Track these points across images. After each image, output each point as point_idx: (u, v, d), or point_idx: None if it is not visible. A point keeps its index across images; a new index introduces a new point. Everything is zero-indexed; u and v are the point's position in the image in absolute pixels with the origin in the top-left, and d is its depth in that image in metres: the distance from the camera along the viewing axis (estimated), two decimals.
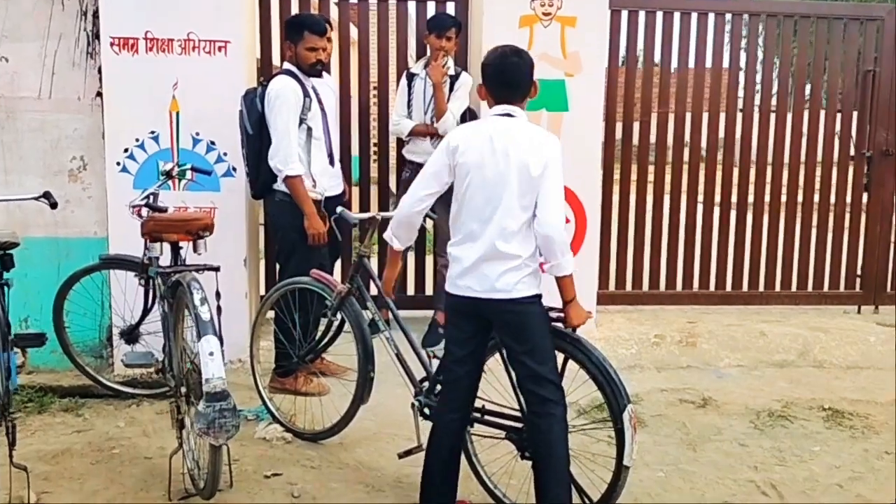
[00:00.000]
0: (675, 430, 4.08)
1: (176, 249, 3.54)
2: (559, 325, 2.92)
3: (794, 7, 5.85)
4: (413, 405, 3.34)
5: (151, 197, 3.89)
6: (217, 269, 3.29)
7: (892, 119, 5.85)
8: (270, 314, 4.23)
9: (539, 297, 2.86)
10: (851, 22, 5.86)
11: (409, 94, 5.01)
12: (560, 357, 2.94)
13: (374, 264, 3.87)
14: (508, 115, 2.86)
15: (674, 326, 5.39)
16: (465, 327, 2.94)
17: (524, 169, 2.75)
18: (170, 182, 4.47)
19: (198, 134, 4.64)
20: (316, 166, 4.24)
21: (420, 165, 4.93)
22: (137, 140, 4.61)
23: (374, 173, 5.62)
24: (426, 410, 3.29)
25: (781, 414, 4.30)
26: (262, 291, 5.39)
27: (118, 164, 4.61)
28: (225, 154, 4.65)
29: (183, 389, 3.27)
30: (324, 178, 4.30)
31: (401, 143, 5.24)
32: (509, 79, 2.86)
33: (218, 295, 3.26)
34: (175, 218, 3.58)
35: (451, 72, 4.94)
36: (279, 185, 4.18)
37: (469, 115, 5.03)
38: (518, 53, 2.89)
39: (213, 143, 4.65)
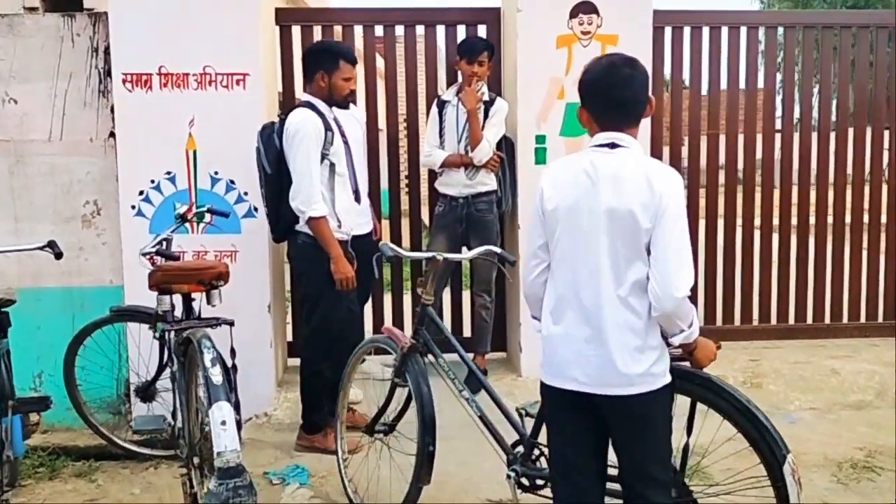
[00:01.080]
0: (749, 488, 3.62)
1: (188, 301, 3.22)
2: (685, 364, 2.40)
3: (849, 18, 5.44)
4: (508, 476, 2.86)
5: (164, 243, 3.59)
6: (231, 324, 2.96)
7: None
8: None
9: (669, 382, 2.28)
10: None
11: (441, 122, 4.67)
12: (682, 398, 2.46)
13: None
14: (614, 144, 2.26)
15: (735, 366, 4.94)
16: (572, 423, 2.33)
17: (631, 217, 2.16)
18: (187, 225, 4.20)
19: (216, 173, 4.35)
20: (340, 204, 3.90)
21: (454, 199, 4.66)
22: (153, 181, 4.33)
23: (404, 206, 5.30)
24: (524, 481, 2.82)
25: (866, 465, 3.83)
26: (290, 338, 5.09)
27: (133, 207, 4.33)
28: (245, 193, 4.35)
29: (196, 459, 2.93)
30: (349, 217, 3.96)
31: (433, 175, 4.91)
32: (619, 97, 2.26)
33: (233, 353, 2.93)
34: (185, 267, 3.26)
35: (486, 97, 4.60)
36: (301, 227, 3.84)
37: (505, 145, 4.68)
38: (631, 63, 2.28)
39: (232, 181, 4.35)
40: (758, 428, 2.38)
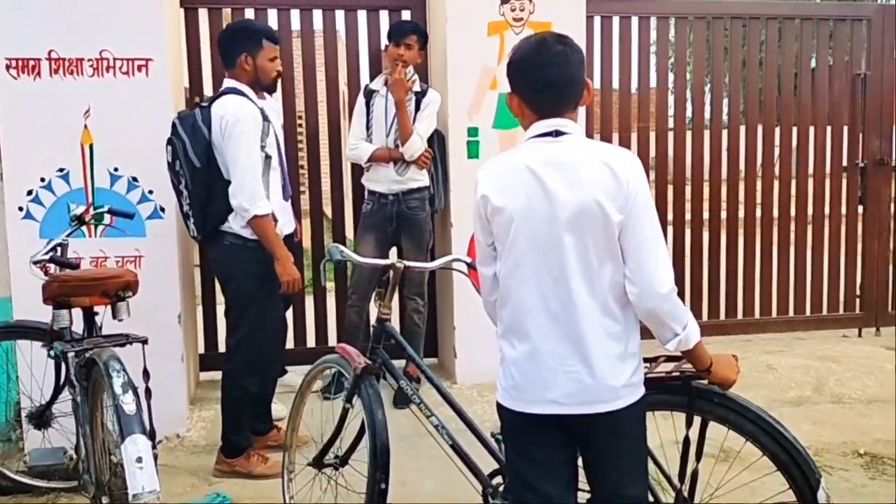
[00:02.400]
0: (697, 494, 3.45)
1: (90, 316, 2.79)
2: (702, 382, 2.17)
3: (774, 9, 5.40)
4: None
5: (58, 249, 3.14)
6: (144, 342, 2.56)
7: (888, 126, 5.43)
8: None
9: (645, 393, 2.04)
10: (838, 23, 5.44)
11: (368, 113, 4.34)
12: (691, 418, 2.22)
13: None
14: (558, 131, 1.97)
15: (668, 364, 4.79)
16: (546, 452, 2.03)
17: (598, 209, 1.89)
18: (84, 229, 3.74)
19: (116, 170, 3.89)
20: (274, 200, 3.53)
21: (383, 196, 4.34)
22: (43, 180, 3.83)
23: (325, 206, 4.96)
24: None
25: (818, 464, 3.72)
26: (202, 351, 4.67)
27: (21, 209, 3.82)
28: (150, 192, 3.91)
29: (105, 500, 2.52)
30: (281, 215, 3.60)
31: (357, 170, 4.58)
32: (554, 77, 1.95)
33: (146, 374, 2.54)
34: (87, 277, 2.82)
35: (417, 88, 4.30)
36: (229, 227, 3.44)
37: (437, 138, 4.39)
38: (562, 40, 1.98)
39: (135, 179, 3.90)
40: (788, 451, 2.17)
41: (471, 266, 2.88)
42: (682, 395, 2.23)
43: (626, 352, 1.98)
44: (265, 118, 3.44)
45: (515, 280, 1.98)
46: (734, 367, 2.14)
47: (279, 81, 3.66)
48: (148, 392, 2.54)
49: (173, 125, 3.49)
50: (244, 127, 3.32)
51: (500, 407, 2.07)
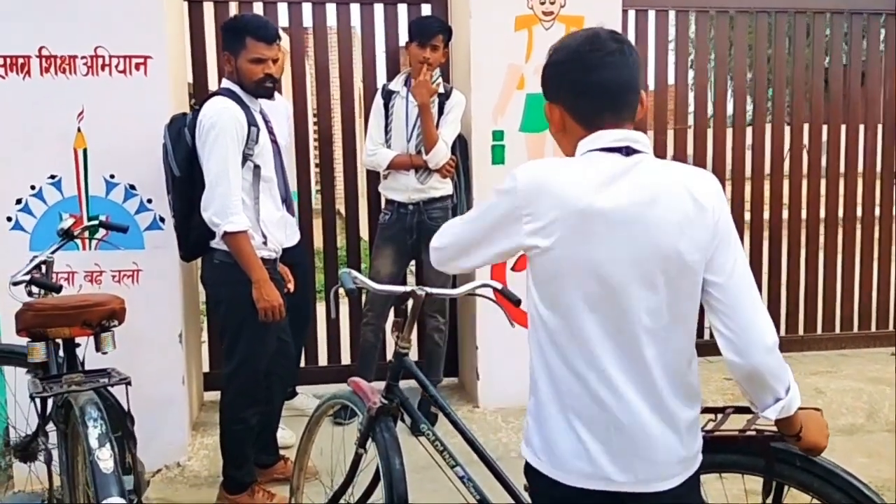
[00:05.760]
0: None
1: (70, 349, 2.48)
2: (780, 444, 1.84)
3: (819, 2, 4.99)
4: None
5: (43, 267, 2.84)
6: (128, 382, 2.24)
7: None
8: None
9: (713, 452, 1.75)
10: (873, 17, 5.05)
11: (388, 116, 3.99)
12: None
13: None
14: (630, 148, 1.59)
15: (710, 387, 4.45)
16: None
17: (685, 251, 1.54)
18: (79, 242, 3.45)
19: (112, 176, 3.59)
20: (266, 215, 3.18)
21: (403, 205, 4.00)
22: (34, 188, 3.53)
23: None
24: None
25: None
26: (206, 368, 4.36)
27: (9, 219, 3.53)
28: (149, 201, 3.60)
29: None
30: (277, 230, 3.26)
31: (372, 178, 4.25)
32: (610, 82, 1.59)
33: (131, 419, 2.23)
34: (65, 305, 2.48)
35: (441, 89, 3.96)
36: (218, 243, 3.11)
37: (459, 144, 4.05)
38: (616, 37, 1.62)
39: (132, 186, 3.60)
40: None
41: (500, 292, 2.56)
42: (757, 456, 1.88)
43: (697, 413, 1.66)
44: (252, 123, 3.09)
45: (568, 332, 1.58)
46: (825, 429, 1.79)
47: (274, 82, 3.27)
48: (133, 438, 2.22)
49: (164, 130, 3.18)
50: (219, 132, 2.97)
51: (535, 474, 1.69)
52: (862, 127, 5.06)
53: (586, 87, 1.60)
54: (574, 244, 1.54)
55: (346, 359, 4.52)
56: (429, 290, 2.42)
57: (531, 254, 1.60)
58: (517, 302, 2.47)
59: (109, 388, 2.35)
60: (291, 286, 3.37)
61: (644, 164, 1.58)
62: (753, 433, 1.89)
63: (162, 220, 3.61)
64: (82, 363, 2.50)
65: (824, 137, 5.05)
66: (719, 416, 2.00)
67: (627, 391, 1.57)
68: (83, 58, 3.52)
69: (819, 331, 5.12)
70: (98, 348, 2.46)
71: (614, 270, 1.53)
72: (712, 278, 1.59)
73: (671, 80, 4.93)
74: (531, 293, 1.65)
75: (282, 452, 3.65)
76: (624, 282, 1.54)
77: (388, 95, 4.02)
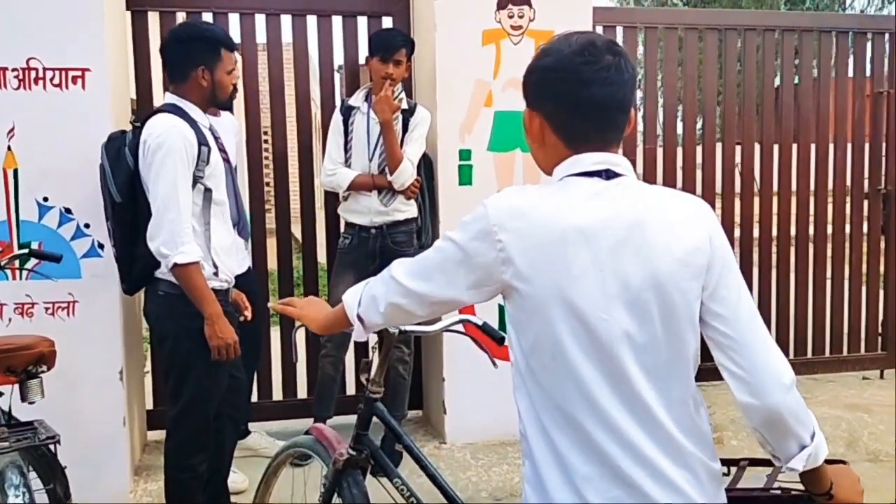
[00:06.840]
0: None
1: None
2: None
3: (794, 20, 4.93)
4: None
5: None
6: (56, 441, 1.94)
7: None
8: None
9: None
10: (859, 36, 4.99)
11: (347, 134, 3.74)
12: None
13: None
14: (610, 171, 1.43)
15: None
16: None
17: (680, 282, 1.39)
18: (8, 271, 3.15)
19: (46, 199, 3.29)
20: (218, 242, 2.87)
21: (364, 228, 3.74)
22: None
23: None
24: None
25: None
26: (150, 406, 4.04)
27: None
28: (87, 226, 3.31)
29: None
30: (230, 258, 2.97)
31: (330, 199, 4.01)
32: (603, 99, 1.42)
33: (64, 477, 1.94)
34: None
35: (404, 105, 3.73)
36: (163, 273, 2.80)
37: (423, 164, 3.82)
38: (613, 48, 1.44)
39: (68, 210, 3.30)
40: None
41: (481, 329, 2.33)
42: None
43: (716, 474, 1.48)
44: (203, 142, 2.81)
45: (556, 376, 1.39)
46: (858, 485, 1.58)
47: (235, 97, 3.02)
48: (67, 495, 1.93)
49: (102, 150, 2.88)
50: (167, 153, 2.66)
51: None
52: (832, 147, 4.98)
53: (575, 102, 1.43)
54: (553, 274, 1.37)
55: (302, 392, 4.23)
56: (403, 328, 2.18)
57: (507, 291, 1.42)
58: (500, 340, 2.24)
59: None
60: (249, 313, 3.10)
61: (627, 187, 1.43)
62: (779, 492, 1.68)
63: (101, 246, 3.32)
64: (8, 414, 2.19)
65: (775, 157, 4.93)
66: (733, 469, 1.80)
67: (638, 441, 1.38)
68: (14, 70, 3.25)
69: (791, 355, 4.98)
70: (24, 398, 2.16)
71: (601, 300, 1.36)
72: (717, 309, 1.42)
73: (638, 98, 4.79)
74: (512, 341, 1.46)
75: (233, 499, 3.35)
76: (614, 312, 1.36)
77: (347, 112, 3.76)
